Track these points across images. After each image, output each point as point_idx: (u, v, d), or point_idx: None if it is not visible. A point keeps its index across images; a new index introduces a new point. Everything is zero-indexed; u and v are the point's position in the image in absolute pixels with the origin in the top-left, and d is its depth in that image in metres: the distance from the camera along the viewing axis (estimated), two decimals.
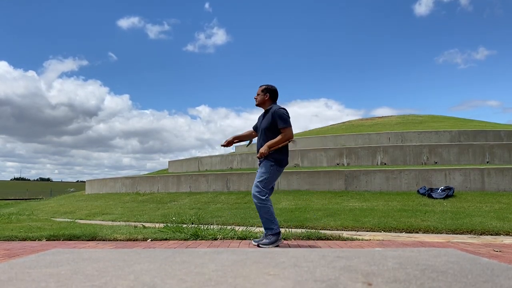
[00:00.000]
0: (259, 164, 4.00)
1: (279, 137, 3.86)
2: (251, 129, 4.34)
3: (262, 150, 3.84)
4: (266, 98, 4.04)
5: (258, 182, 3.87)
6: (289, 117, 3.95)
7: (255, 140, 4.31)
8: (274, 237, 3.78)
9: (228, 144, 4.24)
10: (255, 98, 4.10)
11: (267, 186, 3.87)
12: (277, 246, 3.81)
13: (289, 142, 3.97)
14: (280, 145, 3.88)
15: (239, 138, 4.31)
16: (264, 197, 3.82)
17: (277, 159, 3.89)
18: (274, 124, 3.88)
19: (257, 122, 4.21)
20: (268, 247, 3.70)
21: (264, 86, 4.08)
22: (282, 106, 4.00)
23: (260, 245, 3.79)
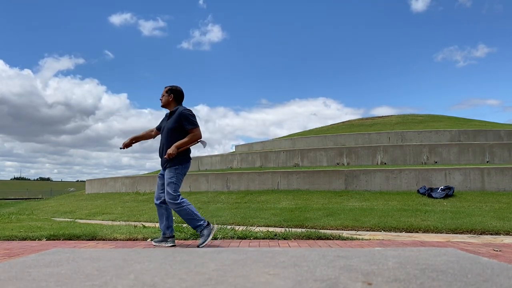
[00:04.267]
0: (163, 166, 3.99)
1: (187, 138, 3.86)
2: (152, 128, 4.33)
3: (170, 151, 3.81)
4: (171, 99, 4.04)
5: (168, 188, 3.87)
6: (195, 118, 3.95)
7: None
8: (206, 231, 3.81)
9: (126, 146, 4.21)
10: (160, 100, 4.11)
11: (177, 189, 3.87)
12: (214, 238, 3.87)
13: (197, 142, 3.95)
14: (188, 145, 3.89)
15: (136, 139, 4.26)
16: (178, 201, 3.83)
17: (181, 161, 3.90)
18: (180, 125, 3.88)
19: (161, 123, 4.20)
20: (207, 243, 3.76)
21: (169, 87, 4.09)
22: (188, 108, 4.00)
23: (200, 246, 3.80)
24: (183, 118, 3.88)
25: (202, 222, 3.83)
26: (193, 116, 3.94)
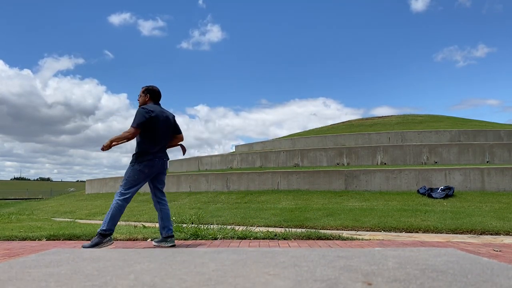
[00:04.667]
0: None
1: (121, 133, 3.86)
2: None
3: (104, 143, 3.82)
4: (147, 99, 4.06)
5: (120, 183, 3.89)
6: (145, 117, 3.83)
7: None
8: (99, 239, 3.71)
9: (106, 148, 3.99)
10: (138, 100, 4.14)
11: (126, 187, 3.84)
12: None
13: (127, 140, 3.86)
14: (120, 142, 3.83)
15: (116, 140, 4.16)
16: (117, 198, 3.80)
17: (137, 158, 3.88)
18: None
19: None
20: (88, 247, 3.67)
21: (145, 87, 4.11)
22: (147, 107, 3.93)
23: (83, 246, 3.81)
24: (135, 114, 3.91)
25: (106, 229, 3.73)
26: (141, 114, 3.86)
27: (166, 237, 3.97)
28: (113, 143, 3.84)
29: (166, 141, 4.09)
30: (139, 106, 4.11)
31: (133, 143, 4.02)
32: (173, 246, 3.96)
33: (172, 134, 4.17)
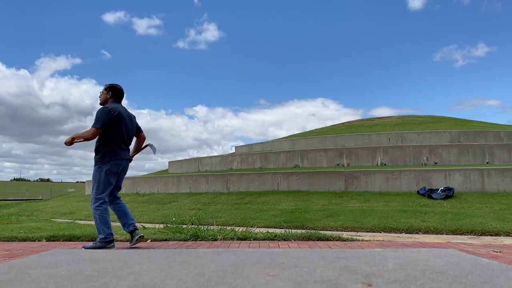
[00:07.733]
0: None
1: (83, 132, 3.79)
2: None
3: (66, 139, 3.76)
4: (109, 97, 3.99)
5: (92, 187, 3.85)
6: (108, 117, 3.77)
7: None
8: (101, 244, 3.72)
9: (68, 144, 3.91)
10: (99, 97, 4.07)
11: (99, 191, 3.80)
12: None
13: (86, 140, 3.76)
14: (80, 140, 3.74)
15: (78, 138, 4.02)
16: (94, 205, 3.77)
17: (103, 159, 3.81)
18: None
19: None
20: (90, 248, 3.69)
21: (108, 85, 4.05)
22: (110, 106, 3.86)
23: (83, 247, 3.80)
24: (96, 114, 3.85)
25: (104, 236, 3.73)
26: (104, 113, 3.78)
27: (131, 232, 3.90)
28: (75, 140, 3.75)
29: (131, 141, 4.06)
30: (100, 103, 4.02)
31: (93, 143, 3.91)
32: (141, 237, 3.90)
33: (135, 133, 4.13)
